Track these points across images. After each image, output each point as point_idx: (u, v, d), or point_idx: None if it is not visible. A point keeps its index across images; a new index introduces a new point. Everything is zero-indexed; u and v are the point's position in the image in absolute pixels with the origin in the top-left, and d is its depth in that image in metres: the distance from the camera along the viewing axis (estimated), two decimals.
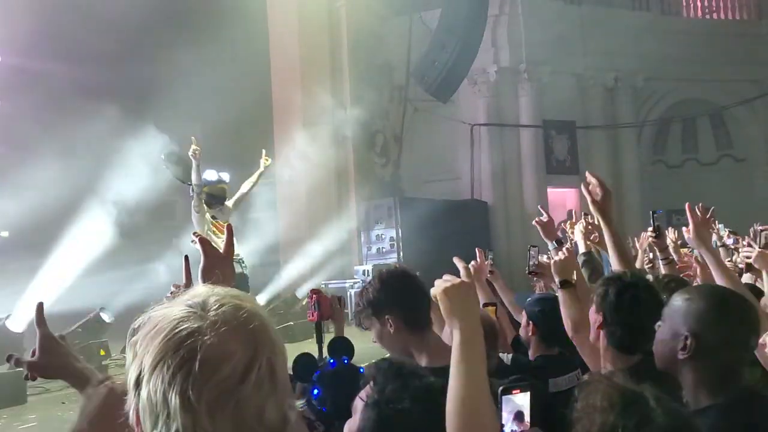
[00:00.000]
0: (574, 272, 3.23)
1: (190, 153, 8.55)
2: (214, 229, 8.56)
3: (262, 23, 15.76)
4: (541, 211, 4.06)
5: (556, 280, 3.13)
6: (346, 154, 16.43)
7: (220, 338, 1.00)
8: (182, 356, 0.99)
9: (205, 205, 8.59)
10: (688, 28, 19.26)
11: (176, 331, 1.01)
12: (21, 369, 1.70)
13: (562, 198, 17.68)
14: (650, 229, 4.28)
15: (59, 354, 1.68)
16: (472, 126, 17.24)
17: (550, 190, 17.78)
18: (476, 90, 17.39)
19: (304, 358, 2.37)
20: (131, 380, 1.04)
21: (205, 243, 1.91)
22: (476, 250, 4.24)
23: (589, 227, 4.36)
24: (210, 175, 8.89)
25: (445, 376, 2.21)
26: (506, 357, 3.39)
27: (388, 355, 2.58)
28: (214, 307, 1.03)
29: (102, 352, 8.48)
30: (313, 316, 3.55)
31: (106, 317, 9.35)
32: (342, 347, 2.57)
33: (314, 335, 3.78)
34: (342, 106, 16.11)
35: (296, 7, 15.60)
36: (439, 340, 2.52)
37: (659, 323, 2.11)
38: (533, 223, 4.16)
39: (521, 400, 1.63)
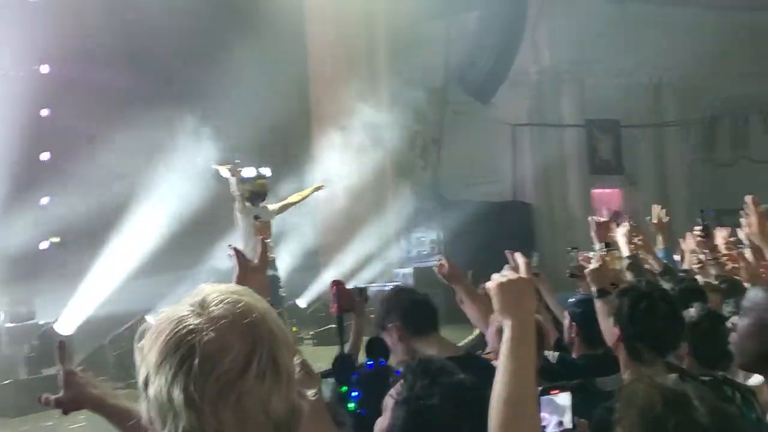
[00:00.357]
0: (611, 279, 3.18)
1: (228, 172, 8.66)
2: (256, 229, 8.65)
3: (300, 26, 15.87)
4: (602, 211, 4.01)
5: (593, 289, 3.09)
6: (384, 156, 16.45)
7: (218, 333, 1.01)
8: (182, 354, 1.00)
9: (248, 204, 8.69)
10: (735, 22, 18.83)
11: (176, 330, 1.03)
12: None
13: (607, 198, 17.44)
14: (698, 228, 4.20)
15: (81, 386, 1.79)
16: (513, 127, 17.10)
17: (594, 190, 17.56)
18: (517, 90, 17.24)
19: (343, 359, 2.37)
20: (140, 382, 1.07)
21: (240, 255, 1.96)
22: (507, 253, 4.16)
23: (632, 231, 4.31)
24: (249, 172, 8.97)
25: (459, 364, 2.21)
26: (552, 355, 3.37)
27: None
28: (213, 303, 1.05)
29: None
30: (333, 308, 3.45)
31: (152, 320, 9.49)
32: (379, 348, 2.56)
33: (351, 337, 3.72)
34: (380, 109, 16.14)
35: (334, 10, 15.67)
36: (445, 340, 2.80)
37: (735, 319, 2.05)
38: (589, 219, 4.08)
39: (562, 400, 1.60)
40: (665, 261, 4.57)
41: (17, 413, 6.64)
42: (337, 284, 3.39)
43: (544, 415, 1.59)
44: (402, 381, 1.89)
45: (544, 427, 1.56)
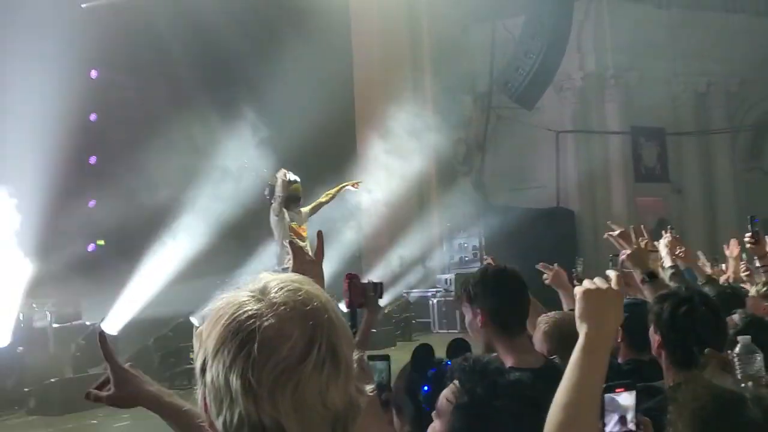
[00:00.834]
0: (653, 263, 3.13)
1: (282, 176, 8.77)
2: (291, 233, 8.70)
3: (344, 33, 15.97)
4: (611, 225, 3.87)
5: (637, 275, 3.04)
6: (428, 162, 16.42)
7: (277, 319, 0.99)
8: (242, 339, 0.98)
9: (284, 209, 8.75)
10: None
11: (236, 315, 1.01)
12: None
13: (652, 206, 17.17)
14: (748, 235, 4.10)
15: (136, 383, 1.72)
16: (557, 133, 16.94)
17: (639, 198, 17.30)
18: (561, 96, 17.10)
19: (424, 349, 2.34)
20: (197, 367, 1.04)
21: (296, 249, 1.98)
22: (539, 266, 4.11)
23: (674, 241, 4.24)
24: (289, 176, 9.04)
25: (533, 376, 2.15)
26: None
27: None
28: (274, 290, 1.03)
29: (191, 355, 8.69)
30: (345, 303, 3.26)
31: (195, 321, 9.61)
32: (462, 349, 2.54)
33: (396, 344, 3.65)
34: (424, 114, 16.12)
35: (378, 16, 15.74)
36: (527, 344, 2.53)
37: None
38: (605, 236, 3.99)
39: (625, 400, 1.58)
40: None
41: (63, 411, 6.77)
42: (350, 278, 3.19)
43: (606, 414, 1.57)
44: (457, 383, 1.84)
45: (605, 424, 1.53)
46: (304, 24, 14.25)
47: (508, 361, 2.46)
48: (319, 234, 2.10)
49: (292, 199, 8.96)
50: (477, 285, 2.60)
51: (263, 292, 1.03)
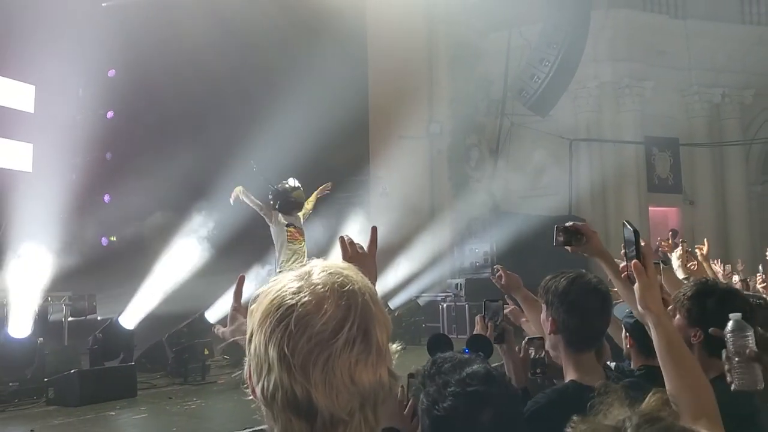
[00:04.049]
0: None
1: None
2: (289, 236, 8.79)
3: (361, 37, 16.04)
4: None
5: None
6: (441, 167, 16.48)
7: (314, 297, 1.08)
8: (282, 313, 1.07)
9: (280, 214, 8.86)
10: None
11: (280, 291, 1.10)
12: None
13: (664, 217, 17.17)
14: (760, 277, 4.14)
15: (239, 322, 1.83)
16: (570, 141, 16.97)
17: (651, 208, 17.30)
18: (576, 104, 17.13)
19: (439, 337, 2.42)
20: (246, 339, 1.14)
21: (344, 243, 2.02)
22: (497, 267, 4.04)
23: (686, 254, 4.27)
24: (292, 182, 9.13)
25: (586, 394, 2.20)
26: (611, 364, 3.37)
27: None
28: (316, 273, 1.12)
29: (206, 351, 8.79)
30: None
31: (210, 318, 9.70)
32: (442, 344, 2.61)
33: (406, 346, 3.62)
34: (438, 120, 16.18)
35: (395, 22, 15.80)
36: (592, 361, 2.46)
37: None
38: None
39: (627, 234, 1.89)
40: None
41: (81, 402, 6.86)
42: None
43: None
44: (423, 389, 1.88)
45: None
46: (320, 28, 14.33)
47: (569, 375, 2.46)
48: (373, 229, 2.12)
49: (294, 206, 9.08)
50: (555, 293, 2.53)
51: (307, 274, 1.12)
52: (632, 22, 17.03)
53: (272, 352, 1.07)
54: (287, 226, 8.88)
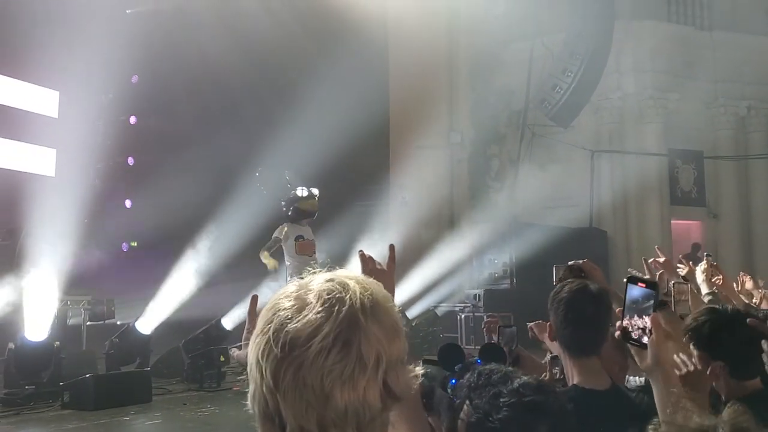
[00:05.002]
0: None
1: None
2: (299, 249, 8.72)
3: (382, 47, 16.06)
4: (658, 251, 3.76)
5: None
6: (461, 177, 16.43)
7: (298, 302, 1.03)
8: (267, 319, 1.05)
9: (286, 227, 8.82)
10: None
11: (278, 298, 1.07)
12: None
13: (687, 230, 16.97)
14: None
15: None
16: (593, 152, 16.80)
17: (674, 221, 17.10)
18: (598, 116, 16.99)
19: (451, 347, 2.38)
20: None
21: (364, 259, 2.00)
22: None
23: (711, 268, 4.19)
24: (301, 191, 9.11)
25: (596, 397, 2.11)
26: (634, 380, 3.31)
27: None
28: (319, 280, 1.07)
29: (222, 358, 8.80)
30: None
31: (226, 325, 9.71)
32: (454, 354, 2.55)
33: (423, 359, 3.60)
34: (459, 130, 16.14)
35: (416, 32, 15.81)
36: (596, 365, 2.48)
37: None
38: (648, 261, 3.87)
39: (645, 296, 1.69)
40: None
41: (97, 406, 6.88)
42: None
43: (627, 302, 1.70)
44: (468, 401, 1.81)
45: (624, 315, 1.69)
46: (340, 37, 14.36)
47: (574, 379, 2.46)
48: (391, 247, 2.09)
49: (307, 215, 9.06)
50: (552, 300, 2.58)
51: (310, 281, 1.08)
52: (656, 33, 16.88)
53: (252, 359, 1.04)
54: (296, 239, 8.84)
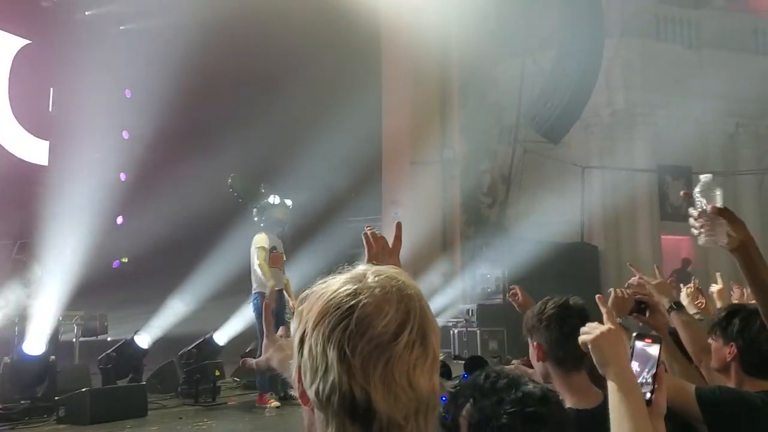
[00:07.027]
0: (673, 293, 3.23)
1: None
2: (271, 262, 8.49)
3: (375, 62, 16.16)
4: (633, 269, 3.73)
5: (664, 303, 3.10)
6: (453, 193, 16.49)
7: (374, 299, 1.07)
8: (341, 313, 1.06)
9: (258, 236, 8.64)
10: None
11: (337, 291, 1.09)
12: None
13: (677, 245, 17.08)
14: None
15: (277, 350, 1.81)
16: (583, 168, 16.94)
17: (664, 237, 17.21)
18: (588, 132, 17.14)
19: (476, 359, 2.42)
20: (296, 342, 1.12)
21: (368, 237, 2.00)
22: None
23: (696, 292, 4.30)
24: (273, 198, 9.02)
25: (589, 417, 2.16)
26: None
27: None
28: (371, 277, 1.11)
29: (217, 372, 8.77)
30: None
31: (219, 340, 9.69)
32: (479, 366, 2.59)
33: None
34: (450, 146, 16.22)
35: (409, 48, 15.93)
36: (585, 382, 2.50)
37: None
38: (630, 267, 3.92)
39: (652, 350, 1.70)
40: None
41: (92, 421, 6.84)
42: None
43: (634, 363, 1.69)
44: (471, 401, 1.80)
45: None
46: (334, 53, 14.44)
47: (567, 400, 2.45)
48: (398, 224, 2.09)
49: (279, 223, 8.90)
50: (534, 318, 2.60)
51: (362, 276, 1.11)
52: (646, 51, 17.08)
53: (331, 353, 1.05)
54: (271, 250, 8.60)
